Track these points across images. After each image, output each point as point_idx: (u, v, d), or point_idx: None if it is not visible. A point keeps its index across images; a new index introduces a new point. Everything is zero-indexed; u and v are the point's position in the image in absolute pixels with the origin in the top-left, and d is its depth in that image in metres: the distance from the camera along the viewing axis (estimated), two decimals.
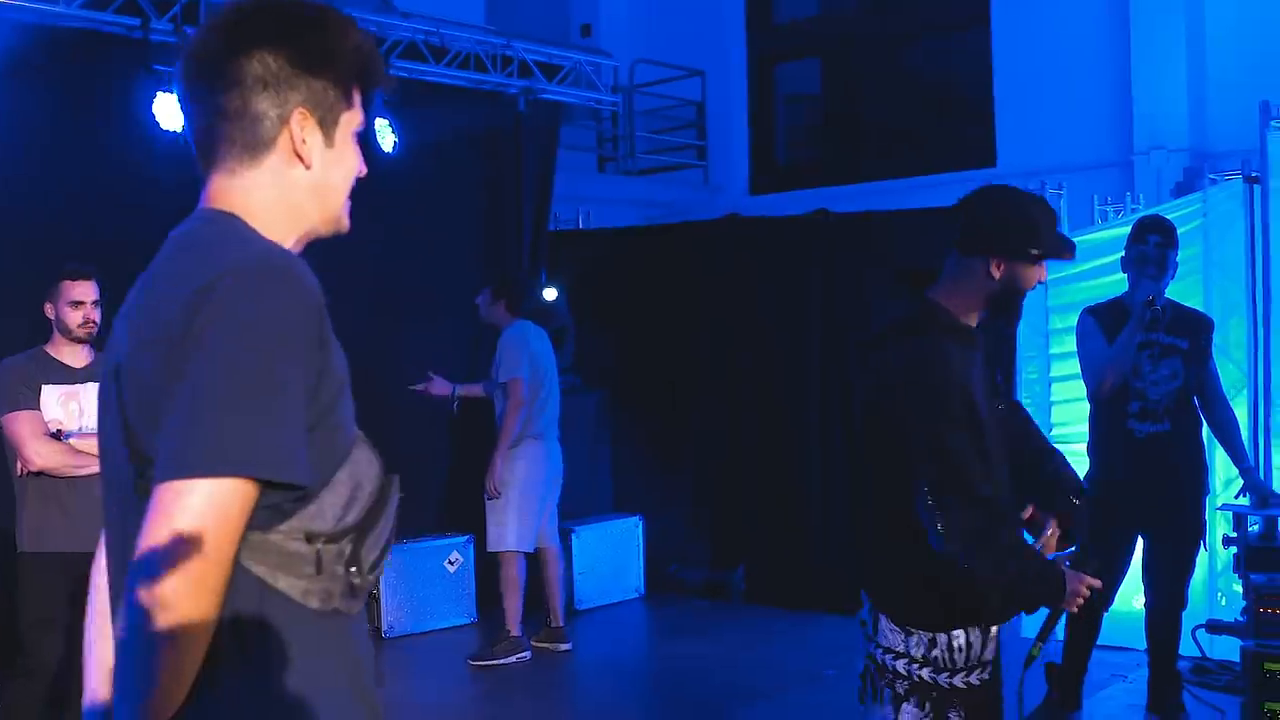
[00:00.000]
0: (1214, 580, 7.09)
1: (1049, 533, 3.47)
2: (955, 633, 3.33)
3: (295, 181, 1.96)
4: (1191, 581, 6.02)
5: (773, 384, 9.24)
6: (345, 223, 2.04)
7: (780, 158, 14.16)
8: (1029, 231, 3.33)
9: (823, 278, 9.04)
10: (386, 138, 8.02)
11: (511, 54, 9.79)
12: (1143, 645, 6.14)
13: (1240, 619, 5.90)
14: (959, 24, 12.44)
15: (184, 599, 1.63)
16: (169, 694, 1.65)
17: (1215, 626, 6.54)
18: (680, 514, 9.56)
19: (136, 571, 1.65)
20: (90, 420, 5.45)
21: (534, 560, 7.82)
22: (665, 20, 13.55)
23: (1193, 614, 6.36)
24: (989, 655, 3.40)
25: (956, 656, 3.32)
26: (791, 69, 14.26)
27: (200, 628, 1.66)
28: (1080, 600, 3.26)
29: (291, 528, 1.79)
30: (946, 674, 3.32)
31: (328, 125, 1.97)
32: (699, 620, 8.88)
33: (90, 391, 5.46)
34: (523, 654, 7.68)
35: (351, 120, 2.00)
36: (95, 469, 5.37)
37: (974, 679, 3.35)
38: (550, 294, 9.78)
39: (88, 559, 5.74)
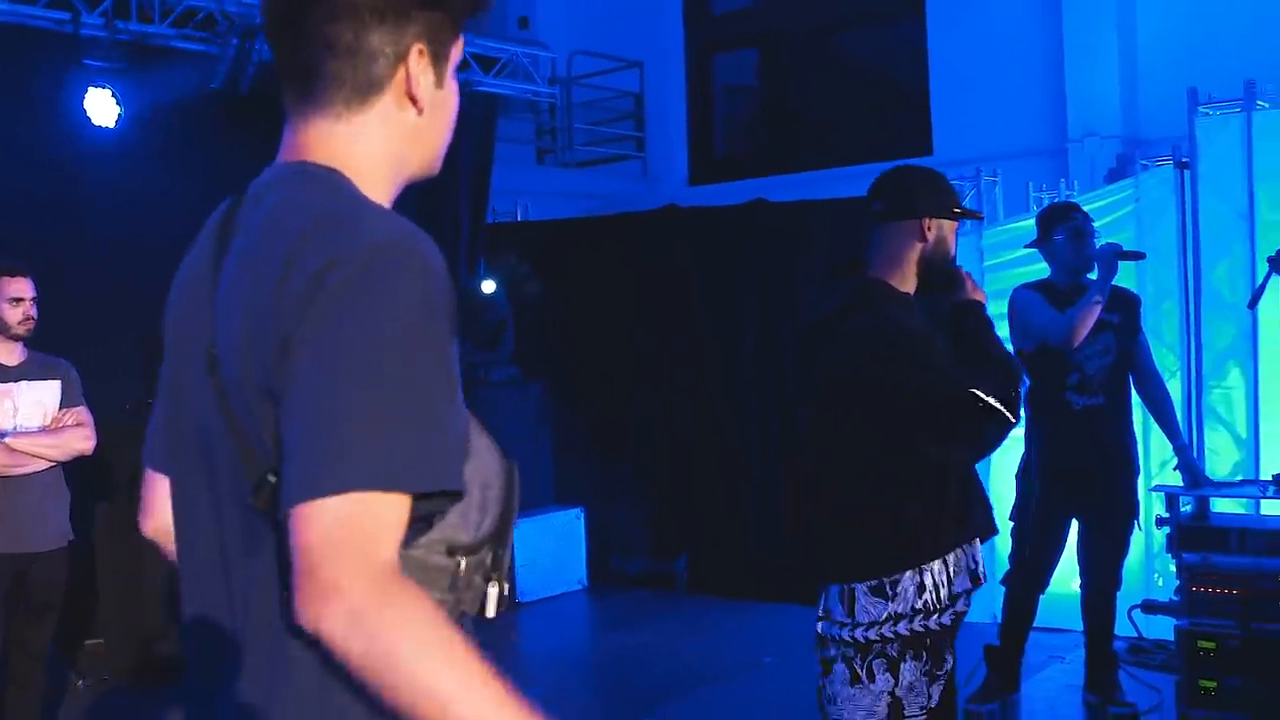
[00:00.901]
0: (1151, 561, 7.18)
1: None
2: (935, 565, 3.48)
3: (403, 126, 1.74)
4: (1127, 562, 6.09)
5: (711, 373, 9.28)
6: (439, 166, 1.84)
7: (719, 148, 14.18)
8: (950, 191, 3.76)
9: (759, 267, 9.07)
10: None
11: None
12: (1079, 627, 6.21)
13: (1174, 599, 5.98)
14: (894, 14, 12.51)
15: (378, 623, 1.42)
16: (456, 698, 1.43)
17: (1150, 606, 6.62)
18: (622, 505, 9.57)
19: (311, 609, 1.43)
20: (24, 419, 5.38)
21: None
22: (603, 11, 13.52)
23: (1129, 594, 6.44)
24: (962, 586, 3.55)
25: (942, 593, 3.48)
26: (729, 60, 14.28)
27: (413, 631, 1.43)
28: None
29: (432, 541, 1.59)
30: (936, 615, 3.48)
31: (440, 62, 1.75)
32: (642, 610, 8.90)
33: (24, 390, 5.40)
34: None
35: (457, 54, 1.80)
36: (31, 468, 5.33)
37: (959, 608, 3.54)
38: (488, 286, 9.76)
39: (21, 559, 5.65)
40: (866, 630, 3.47)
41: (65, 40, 7.56)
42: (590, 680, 7.69)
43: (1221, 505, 6.12)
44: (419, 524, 1.54)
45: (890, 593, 3.45)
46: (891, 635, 3.45)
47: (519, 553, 8.84)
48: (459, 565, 1.61)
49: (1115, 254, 5.66)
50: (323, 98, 1.71)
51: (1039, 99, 10.71)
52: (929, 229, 3.63)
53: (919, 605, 3.45)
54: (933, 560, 3.47)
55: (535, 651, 8.11)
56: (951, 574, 3.50)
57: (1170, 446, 6.16)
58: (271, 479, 1.53)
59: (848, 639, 3.49)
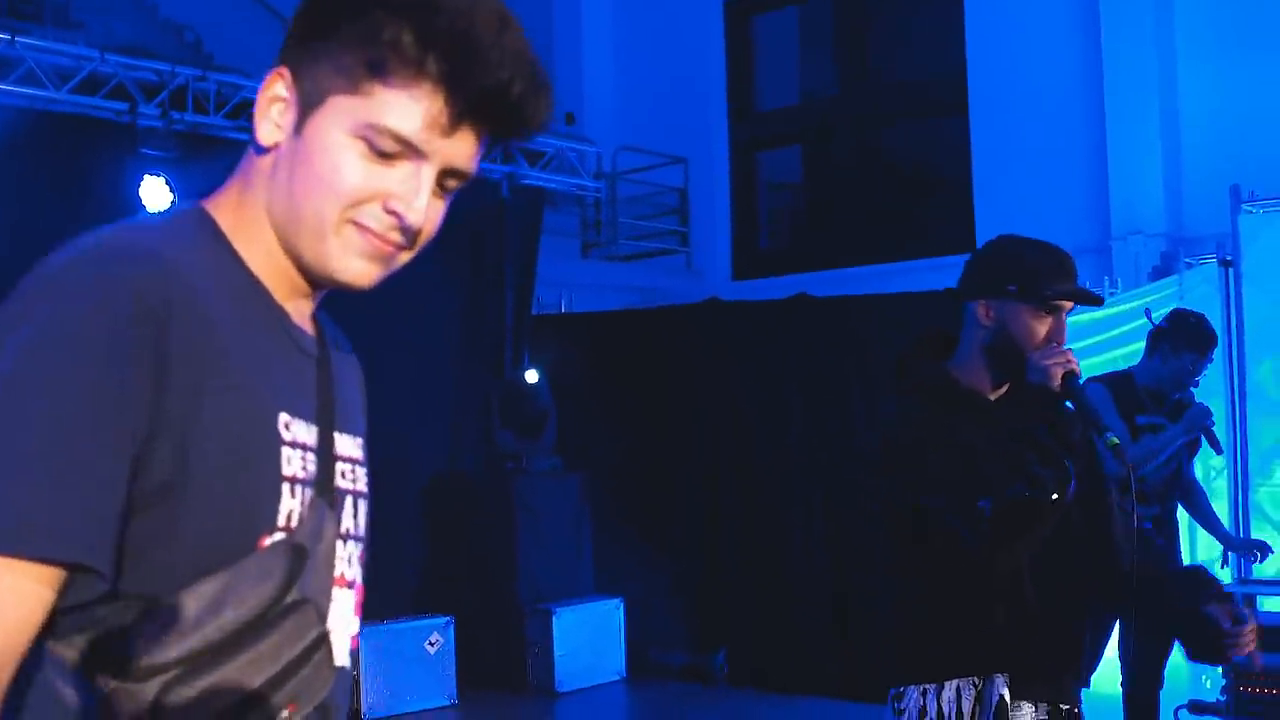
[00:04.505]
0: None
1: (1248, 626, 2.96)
2: (948, 686, 3.04)
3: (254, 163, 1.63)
4: (1173, 661, 6.01)
5: (753, 466, 9.26)
6: (312, 257, 1.53)
7: (762, 243, 14.26)
8: (1008, 267, 3.05)
9: (802, 361, 9.09)
10: None
11: None
12: None
13: (1221, 699, 5.90)
14: (938, 111, 12.60)
15: None
16: None
17: (1197, 707, 6.53)
18: (662, 596, 9.53)
19: None
20: None
21: None
22: (649, 107, 13.69)
23: (1175, 694, 6.35)
24: None
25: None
26: (773, 156, 14.40)
27: None
28: (1063, 360, 2.89)
29: (73, 642, 1.23)
30: None
31: (309, 104, 1.48)
32: (680, 703, 8.83)
33: None
34: None
35: (355, 110, 1.46)
36: None
37: None
38: (532, 376, 9.82)
39: None
40: None
41: (123, 130, 7.74)
42: None
43: (1269, 604, 6.06)
44: (73, 612, 1.22)
45: (896, 708, 3.08)
46: None
47: (558, 642, 8.83)
48: (102, 693, 1.21)
49: (1205, 424, 5.59)
50: None
51: (1083, 196, 10.74)
52: (985, 314, 3.05)
53: None
54: (931, 682, 3.04)
55: None
56: (965, 711, 3.01)
57: (1216, 546, 6.11)
58: None
59: None
